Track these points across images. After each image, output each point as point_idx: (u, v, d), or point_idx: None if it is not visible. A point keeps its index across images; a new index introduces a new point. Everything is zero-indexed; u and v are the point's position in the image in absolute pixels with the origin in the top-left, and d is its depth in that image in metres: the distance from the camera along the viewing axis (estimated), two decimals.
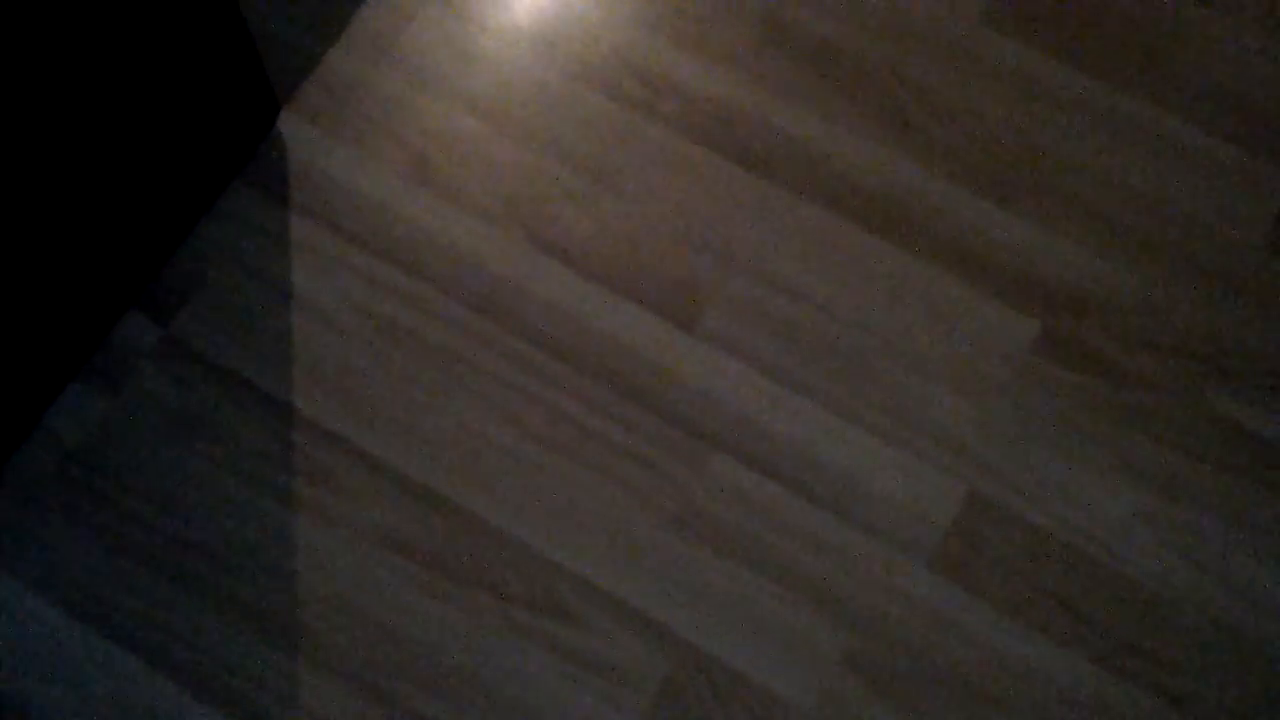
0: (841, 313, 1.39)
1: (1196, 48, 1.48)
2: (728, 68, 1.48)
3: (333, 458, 1.33)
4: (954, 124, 1.45)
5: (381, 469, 1.33)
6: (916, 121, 1.45)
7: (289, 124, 1.46)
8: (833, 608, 1.29)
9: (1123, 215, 1.42)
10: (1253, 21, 1.49)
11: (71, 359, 1.33)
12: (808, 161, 1.44)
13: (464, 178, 1.44)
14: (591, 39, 1.49)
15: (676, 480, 1.32)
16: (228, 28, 1.27)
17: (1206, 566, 1.30)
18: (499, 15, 1.50)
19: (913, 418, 1.35)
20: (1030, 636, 1.28)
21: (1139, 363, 1.36)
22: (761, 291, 1.39)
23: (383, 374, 1.36)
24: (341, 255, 1.40)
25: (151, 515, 1.31)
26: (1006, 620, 1.29)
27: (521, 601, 1.29)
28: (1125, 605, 1.29)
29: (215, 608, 1.29)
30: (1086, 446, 1.34)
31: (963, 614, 1.29)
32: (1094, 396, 1.35)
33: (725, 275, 1.40)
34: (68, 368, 1.34)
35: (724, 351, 1.37)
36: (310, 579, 1.30)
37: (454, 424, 1.34)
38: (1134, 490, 1.32)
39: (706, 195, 1.43)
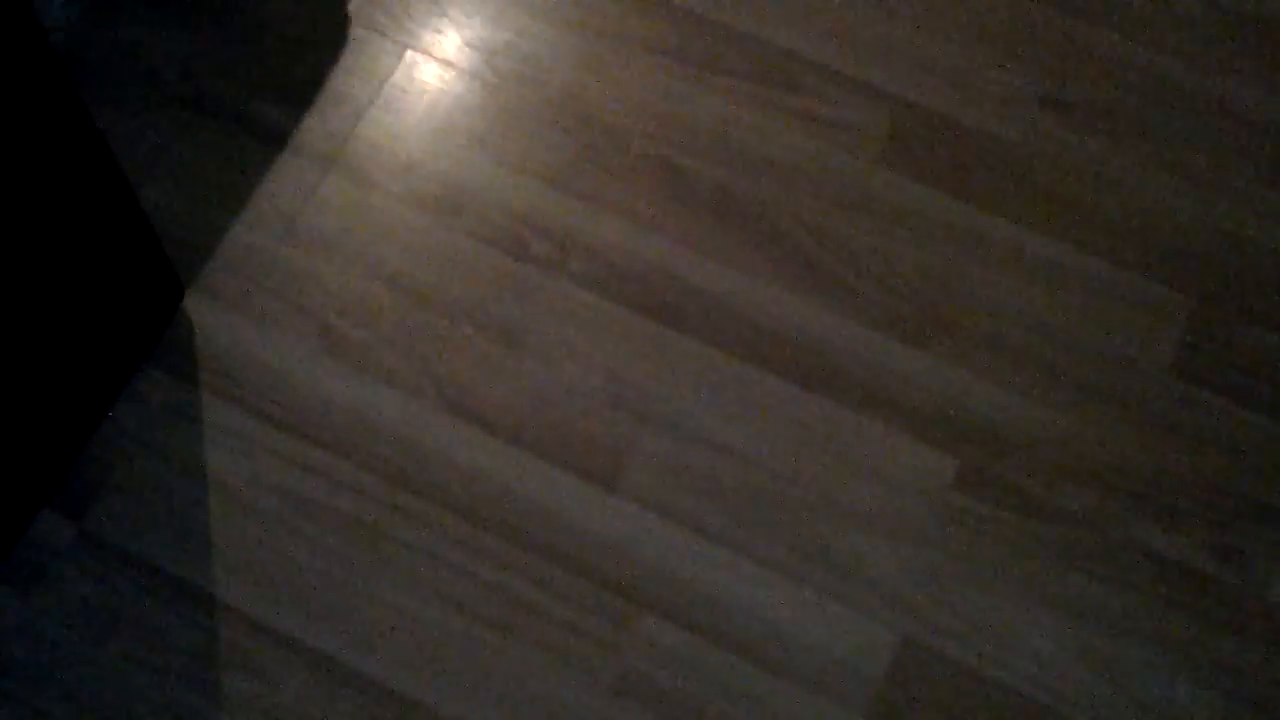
0: (762, 462, 1.39)
1: (1089, 180, 1.51)
2: (632, 221, 1.49)
3: (259, 647, 1.31)
4: (861, 266, 1.47)
5: (310, 655, 1.31)
6: (824, 266, 1.47)
7: (195, 303, 1.44)
8: None
9: (1032, 348, 1.44)
10: (1145, 151, 1.53)
11: None
12: (719, 311, 1.45)
13: (374, 346, 1.43)
14: (495, 200, 1.49)
15: (612, 644, 1.31)
16: (125, 218, 1.26)
17: (1139, 697, 1.30)
18: (402, 181, 1.50)
19: (838, 565, 1.35)
20: None
21: (1059, 496, 1.38)
22: (681, 446, 1.39)
23: (304, 555, 1.34)
24: (254, 434, 1.39)
25: (67, 717, 1.28)
26: None
27: None
28: None
29: None
30: (1012, 583, 1.35)
31: None
32: (1016, 532, 1.36)
33: (644, 431, 1.40)
34: None
35: (647, 509, 1.37)
36: None
37: (380, 603, 1.33)
38: (1062, 624, 1.33)
39: (620, 351, 1.43)
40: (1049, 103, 1.54)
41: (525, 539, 1.35)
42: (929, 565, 1.35)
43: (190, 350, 1.42)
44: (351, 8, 1.58)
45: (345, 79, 1.55)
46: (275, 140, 1.52)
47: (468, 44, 1.57)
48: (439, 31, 1.57)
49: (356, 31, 1.57)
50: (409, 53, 1.56)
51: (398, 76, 1.55)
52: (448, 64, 1.56)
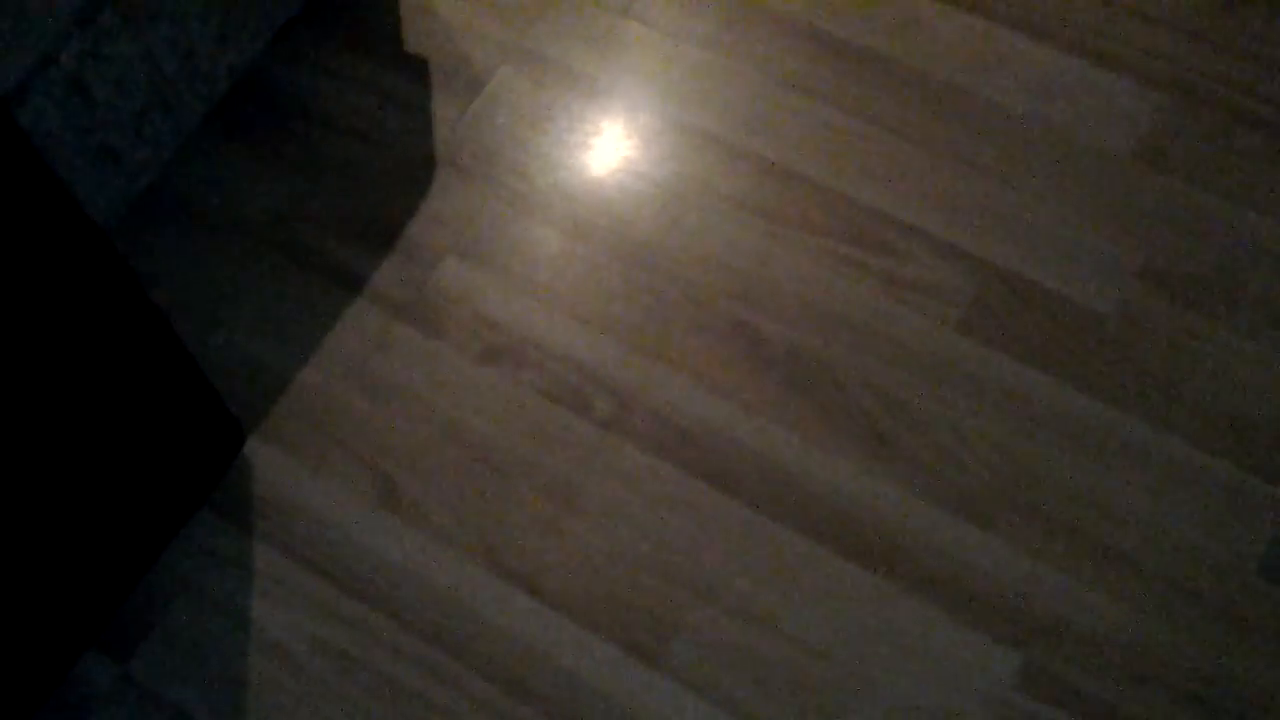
0: (814, 645, 1.32)
1: (1188, 361, 1.42)
2: (698, 381, 1.45)
3: None
4: (930, 440, 1.40)
5: None
6: (891, 437, 1.40)
7: (257, 445, 1.45)
8: None
9: (1108, 537, 1.34)
10: (1248, 332, 1.43)
11: (26, 704, 1.32)
12: (780, 481, 1.39)
13: (428, 501, 1.41)
14: (563, 354, 1.47)
15: None
16: (180, 377, 1.27)
17: None
18: (470, 337, 1.49)
19: None
20: None
21: (1125, 700, 1.28)
22: (729, 621, 1.34)
23: (337, 713, 1.32)
24: (299, 583, 1.38)
25: None
26: None
27: None
28: None
29: None
30: None
31: None
32: None
33: (693, 604, 1.34)
34: (21, 714, 1.32)
35: (689, 689, 1.31)
36: None
37: None
38: None
39: (676, 518, 1.39)
40: (1149, 275, 1.46)
41: (557, 710, 1.31)
42: None
43: (248, 495, 1.42)
44: (438, 153, 1.59)
45: (426, 225, 1.55)
46: (351, 284, 1.52)
47: (550, 189, 1.56)
48: (523, 176, 1.57)
49: (440, 176, 1.58)
50: (490, 202, 1.56)
51: (477, 222, 1.55)
52: (528, 210, 1.55)
